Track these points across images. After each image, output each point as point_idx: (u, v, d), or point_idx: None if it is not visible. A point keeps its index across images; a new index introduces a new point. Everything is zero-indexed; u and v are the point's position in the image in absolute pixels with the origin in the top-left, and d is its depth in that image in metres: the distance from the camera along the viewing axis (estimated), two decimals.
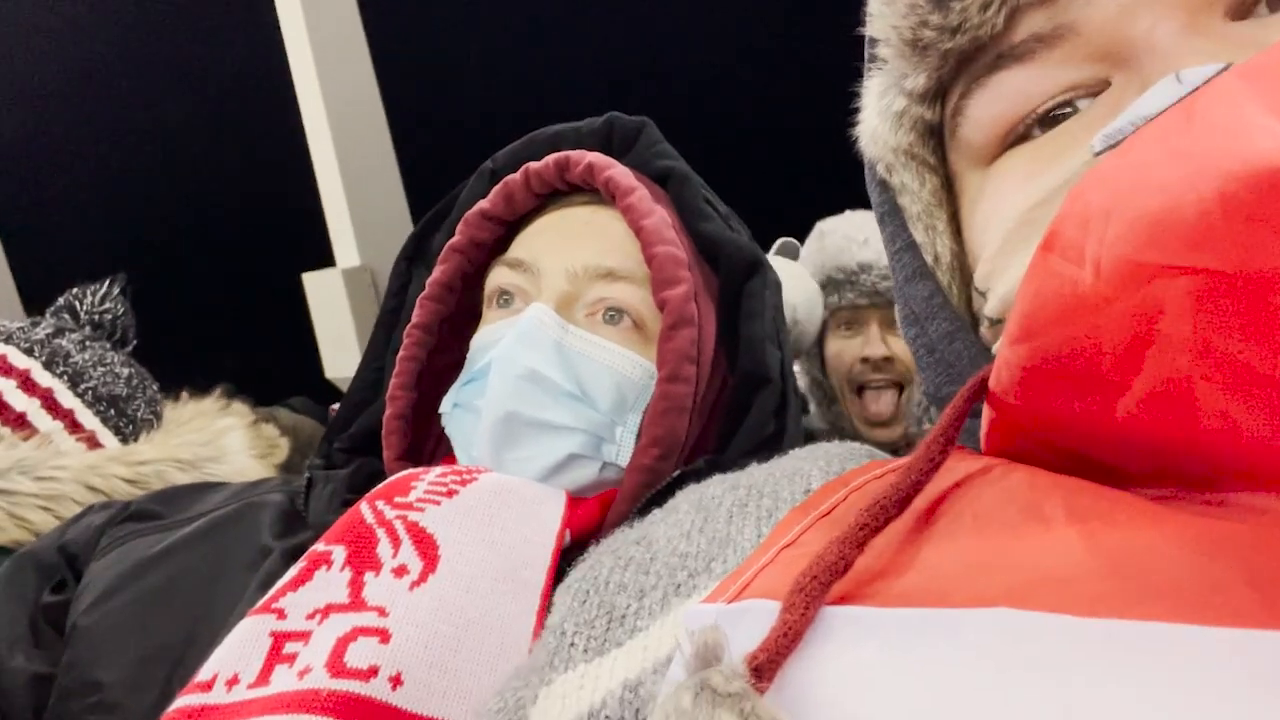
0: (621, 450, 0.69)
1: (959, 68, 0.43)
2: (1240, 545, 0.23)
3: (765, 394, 0.73)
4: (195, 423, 1.10)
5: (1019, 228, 0.39)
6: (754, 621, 0.28)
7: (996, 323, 0.43)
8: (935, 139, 0.47)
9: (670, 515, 0.44)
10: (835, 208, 1.59)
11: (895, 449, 1.43)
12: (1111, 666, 0.21)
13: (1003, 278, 0.41)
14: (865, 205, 0.56)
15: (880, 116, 0.48)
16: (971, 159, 0.45)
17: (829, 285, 1.51)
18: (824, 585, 0.27)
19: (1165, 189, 0.24)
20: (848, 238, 1.52)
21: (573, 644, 0.36)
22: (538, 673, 0.37)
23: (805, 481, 0.42)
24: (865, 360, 1.48)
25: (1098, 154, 0.35)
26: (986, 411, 0.36)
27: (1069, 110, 0.40)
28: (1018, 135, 0.42)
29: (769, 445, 0.73)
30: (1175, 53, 0.35)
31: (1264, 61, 0.25)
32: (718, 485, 0.45)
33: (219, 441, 1.09)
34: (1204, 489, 0.27)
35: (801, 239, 1.63)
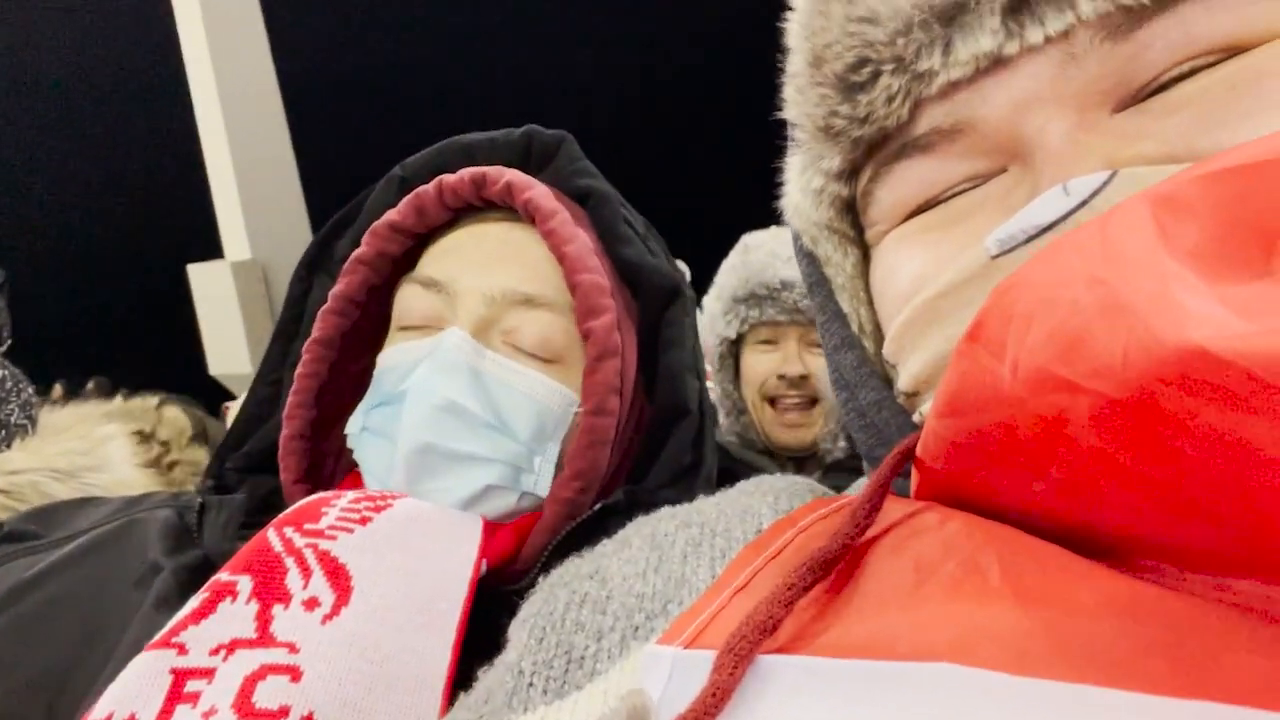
0: (540, 480, 0.68)
1: (869, 152, 0.45)
2: (1159, 611, 0.25)
3: (684, 425, 0.74)
4: (75, 430, 1.04)
5: (922, 314, 0.42)
6: (706, 673, 0.29)
7: (911, 395, 0.45)
8: (854, 214, 0.50)
9: (623, 550, 0.44)
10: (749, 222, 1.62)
11: (803, 457, 1.55)
12: None
13: (910, 358, 0.44)
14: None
15: (801, 192, 0.50)
16: (879, 239, 0.47)
17: (750, 300, 1.54)
18: (752, 645, 0.29)
19: (1080, 311, 0.26)
20: (773, 254, 1.55)
21: (531, 684, 0.36)
22: (495, 713, 0.36)
23: (757, 520, 0.43)
24: (781, 377, 1.52)
25: (994, 256, 0.37)
26: (915, 474, 0.38)
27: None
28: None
29: (688, 476, 0.74)
30: (1066, 152, 0.37)
31: (1168, 191, 0.28)
32: (669, 521, 0.45)
33: (99, 450, 1.03)
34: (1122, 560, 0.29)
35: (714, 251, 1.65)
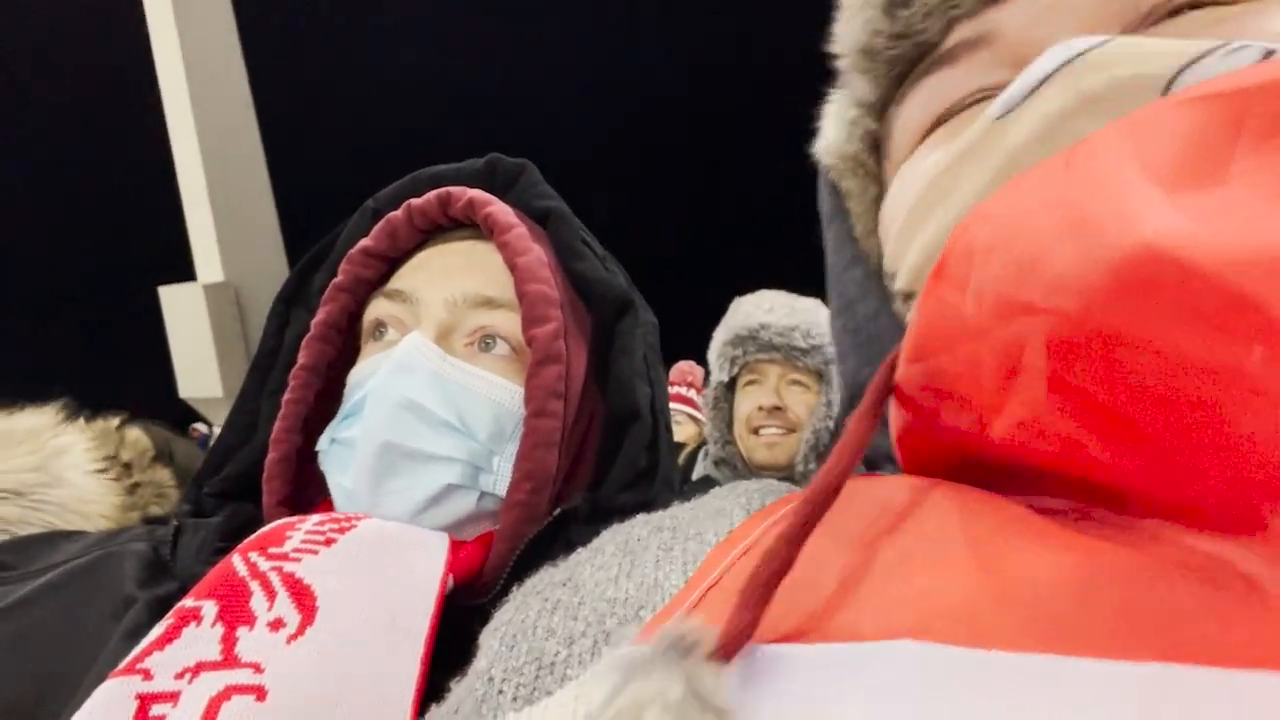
0: (499, 480, 0.70)
1: (901, 81, 0.50)
2: (1117, 570, 0.25)
3: (636, 429, 0.76)
4: (26, 444, 1.01)
5: (925, 197, 0.44)
6: None
7: (909, 297, 0.47)
8: (879, 154, 0.53)
9: (596, 556, 0.44)
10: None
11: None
12: (994, 699, 0.23)
13: (909, 250, 0.46)
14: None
15: (835, 126, 0.55)
16: (898, 164, 0.50)
17: (734, 341, 1.86)
18: (777, 579, 0.28)
19: (1036, 236, 0.27)
20: (755, 305, 1.89)
21: (501, 691, 0.36)
22: None
23: (729, 521, 0.43)
24: (761, 408, 1.82)
25: (997, 119, 0.39)
26: (894, 421, 0.38)
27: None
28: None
29: (644, 479, 0.76)
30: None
31: (1136, 120, 0.29)
32: (642, 526, 0.45)
33: (52, 465, 1.00)
34: (1078, 507, 0.29)
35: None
